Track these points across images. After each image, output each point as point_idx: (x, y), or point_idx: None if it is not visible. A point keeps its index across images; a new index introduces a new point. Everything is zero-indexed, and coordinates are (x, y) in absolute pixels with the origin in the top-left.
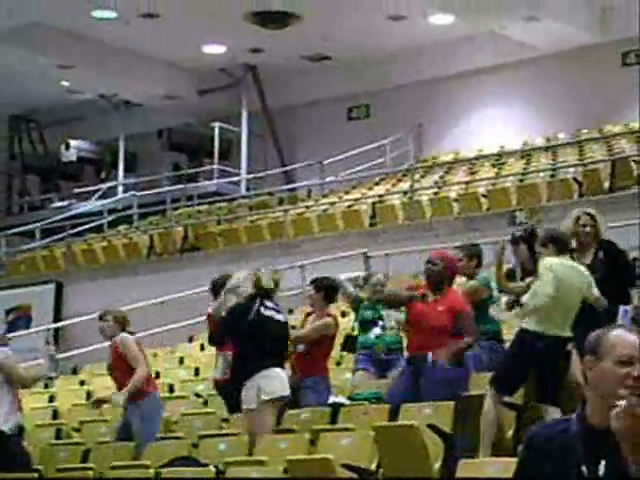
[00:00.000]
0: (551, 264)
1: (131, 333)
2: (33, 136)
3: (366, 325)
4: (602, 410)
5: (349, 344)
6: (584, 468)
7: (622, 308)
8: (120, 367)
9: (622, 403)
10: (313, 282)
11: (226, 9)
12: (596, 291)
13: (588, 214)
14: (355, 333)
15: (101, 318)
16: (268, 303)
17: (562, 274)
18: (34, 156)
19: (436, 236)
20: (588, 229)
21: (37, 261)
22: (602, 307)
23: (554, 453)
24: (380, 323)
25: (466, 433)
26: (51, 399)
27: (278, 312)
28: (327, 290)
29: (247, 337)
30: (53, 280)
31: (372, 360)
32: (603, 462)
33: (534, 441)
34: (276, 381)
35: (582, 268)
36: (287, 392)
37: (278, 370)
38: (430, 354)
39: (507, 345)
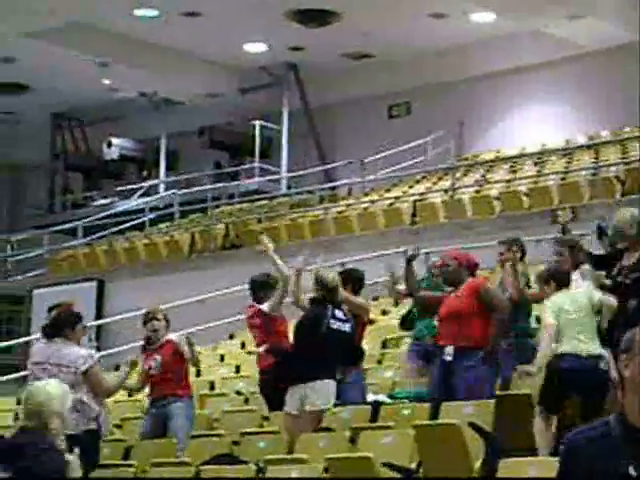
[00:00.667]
0: (549, 302)
1: None
2: (75, 134)
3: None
4: None
5: (408, 321)
6: (631, 469)
7: None
8: (175, 368)
9: None
10: (340, 274)
11: (267, 7)
12: (607, 299)
13: (628, 211)
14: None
15: (153, 318)
16: (338, 313)
17: (560, 301)
18: (76, 154)
19: (477, 235)
20: (634, 230)
21: (79, 259)
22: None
23: (597, 455)
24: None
25: (507, 432)
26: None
27: (345, 321)
28: (354, 282)
29: (310, 345)
30: (95, 278)
31: (421, 353)
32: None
33: (574, 444)
34: (322, 393)
35: (584, 289)
36: (331, 405)
37: (329, 382)
38: (449, 348)
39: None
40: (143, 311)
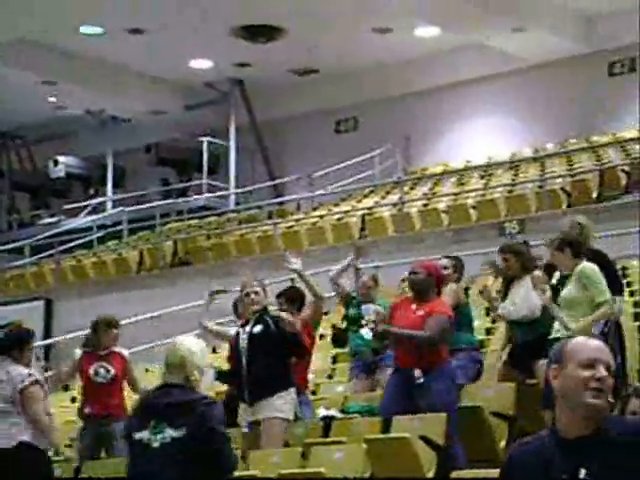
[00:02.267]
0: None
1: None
2: (21, 153)
3: (352, 324)
4: (572, 421)
5: (339, 339)
6: (565, 477)
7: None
8: (122, 385)
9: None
10: (282, 295)
11: (212, 24)
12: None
13: (576, 220)
14: (343, 326)
15: (115, 326)
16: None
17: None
18: (22, 173)
19: (426, 248)
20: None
21: (26, 278)
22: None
23: (533, 468)
24: (363, 322)
25: (461, 445)
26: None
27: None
28: (299, 300)
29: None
30: (43, 297)
31: (362, 366)
32: (583, 470)
33: (514, 459)
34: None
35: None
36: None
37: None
38: (418, 371)
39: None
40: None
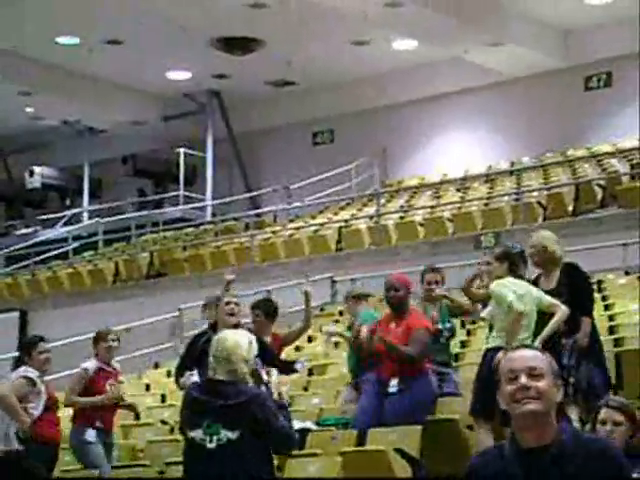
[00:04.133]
0: (505, 283)
1: None
2: None
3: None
4: (527, 431)
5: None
6: None
7: (564, 342)
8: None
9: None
10: (257, 307)
11: (190, 35)
12: (548, 299)
13: (536, 234)
14: None
15: (112, 339)
16: None
17: (520, 289)
18: None
19: (402, 260)
20: (538, 249)
21: (1, 289)
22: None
23: (491, 476)
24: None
25: (435, 457)
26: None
27: None
28: (274, 311)
29: None
30: (18, 308)
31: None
32: None
33: (474, 465)
34: None
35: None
36: None
37: None
38: (394, 380)
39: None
40: (67, 341)
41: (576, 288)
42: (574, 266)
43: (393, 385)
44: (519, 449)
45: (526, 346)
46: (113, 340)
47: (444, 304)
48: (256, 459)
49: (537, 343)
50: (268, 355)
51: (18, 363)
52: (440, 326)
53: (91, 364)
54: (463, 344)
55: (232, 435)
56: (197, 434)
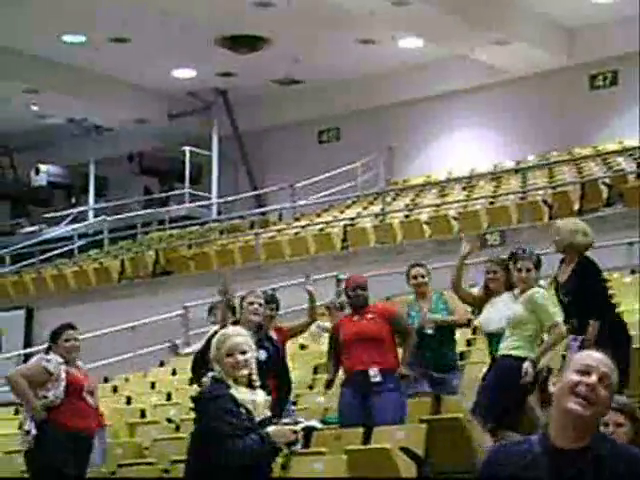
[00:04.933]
0: (550, 296)
1: None
2: (3, 161)
3: None
4: (566, 430)
5: None
6: None
7: (571, 337)
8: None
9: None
10: (271, 301)
11: (196, 33)
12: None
13: (555, 224)
14: None
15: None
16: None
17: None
18: (4, 181)
19: (407, 259)
20: (554, 237)
21: (7, 287)
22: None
23: (515, 472)
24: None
25: (439, 455)
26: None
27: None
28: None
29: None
30: (23, 306)
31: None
32: None
33: (493, 459)
34: None
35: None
36: None
37: None
38: (372, 369)
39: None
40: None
41: (585, 290)
42: (588, 265)
43: (375, 375)
44: (551, 448)
45: (604, 352)
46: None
47: (436, 296)
48: (203, 455)
49: (529, 360)
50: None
51: (47, 351)
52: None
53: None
54: (469, 342)
55: (193, 429)
56: None
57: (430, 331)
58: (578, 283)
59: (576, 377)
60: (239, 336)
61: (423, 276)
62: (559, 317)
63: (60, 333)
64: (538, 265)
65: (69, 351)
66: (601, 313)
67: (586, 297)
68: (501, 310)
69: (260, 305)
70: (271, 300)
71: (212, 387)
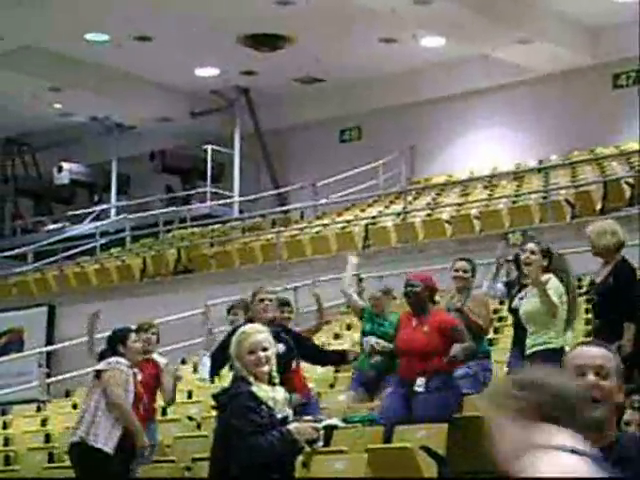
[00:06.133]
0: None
1: None
2: (26, 159)
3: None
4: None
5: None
6: None
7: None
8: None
9: None
10: (287, 304)
11: (219, 32)
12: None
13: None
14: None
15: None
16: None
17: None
18: (27, 179)
19: (429, 258)
20: (589, 240)
21: (29, 284)
22: None
23: None
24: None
25: (461, 455)
26: (43, 422)
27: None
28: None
29: None
30: (45, 303)
31: (361, 381)
32: None
33: None
34: None
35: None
36: None
37: None
38: (420, 379)
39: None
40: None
41: (620, 292)
42: (624, 267)
43: (420, 385)
44: None
45: (595, 343)
46: (153, 333)
47: (468, 294)
48: (224, 450)
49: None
50: (307, 349)
51: (107, 354)
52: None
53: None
54: (490, 341)
55: (218, 425)
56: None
57: None
58: (613, 284)
59: (577, 382)
60: (260, 333)
61: (465, 271)
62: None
63: (128, 334)
64: (547, 253)
65: (138, 352)
66: (634, 315)
67: (618, 298)
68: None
69: (270, 301)
70: (286, 303)
71: (233, 384)
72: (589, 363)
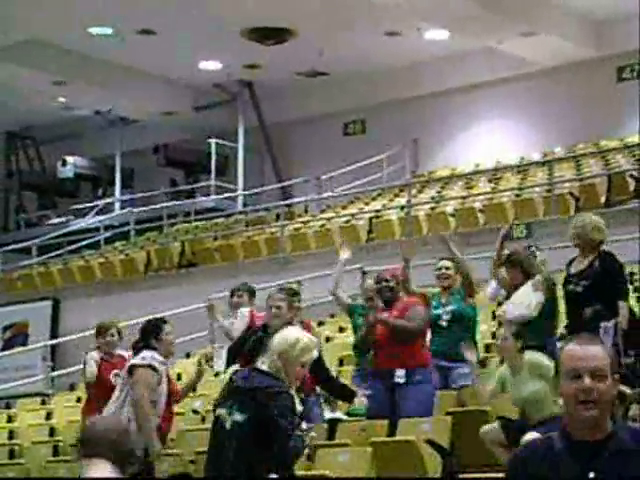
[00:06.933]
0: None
1: None
2: (30, 153)
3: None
4: (583, 429)
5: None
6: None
7: (602, 325)
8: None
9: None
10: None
11: (222, 25)
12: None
13: (580, 216)
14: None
15: (112, 334)
16: None
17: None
18: (31, 173)
19: (433, 251)
20: (578, 230)
21: (34, 278)
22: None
23: (541, 469)
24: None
25: (464, 448)
26: (48, 416)
27: None
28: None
29: None
30: (50, 297)
31: (363, 375)
32: (592, 474)
33: (520, 459)
34: None
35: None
36: None
37: None
38: (399, 371)
39: None
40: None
41: (610, 274)
42: (610, 254)
43: (400, 376)
44: (572, 443)
45: (587, 339)
46: (112, 335)
47: (457, 290)
48: (255, 449)
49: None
50: (322, 374)
51: (139, 346)
52: (439, 310)
53: (92, 356)
54: (494, 335)
55: (240, 418)
56: (222, 411)
57: (444, 323)
58: (602, 270)
59: (571, 386)
60: (315, 350)
61: (448, 268)
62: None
63: (162, 326)
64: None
65: (171, 345)
66: (626, 294)
67: (615, 281)
68: (519, 295)
69: (279, 308)
70: (294, 294)
71: (276, 382)
72: (585, 366)
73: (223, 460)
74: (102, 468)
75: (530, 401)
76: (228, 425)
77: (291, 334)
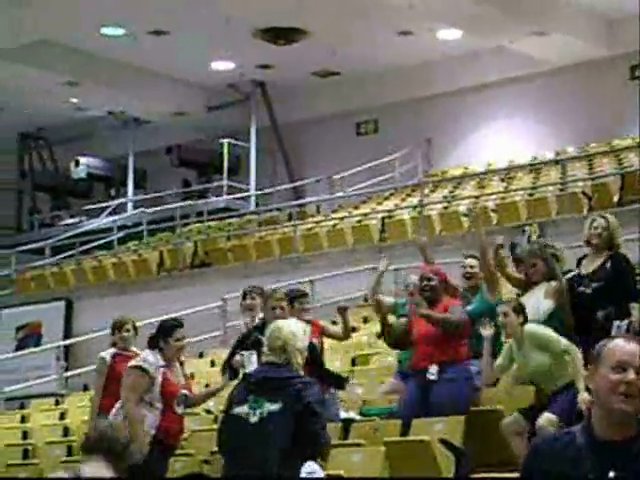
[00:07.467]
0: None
1: None
2: (43, 154)
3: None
4: (611, 425)
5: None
6: (592, 477)
7: (615, 324)
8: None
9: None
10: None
11: (234, 26)
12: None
13: (603, 217)
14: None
15: (127, 329)
16: None
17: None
18: (44, 174)
19: (446, 251)
20: (599, 231)
21: (47, 278)
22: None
23: (560, 464)
24: None
25: (479, 448)
26: (62, 416)
27: None
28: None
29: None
30: (63, 297)
31: (401, 376)
32: (612, 473)
33: (539, 452)
34: None
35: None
36: None
37: None
38: (432, 367)
39: None
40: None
41: (622, 275)
42: (622, 255)
43: (432, 372)
44: (595, 439)
45: (630, 338)
46: (128, 330)
47: (480, 293)
48: (294, 434)
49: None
50: (317, 361)
51: (151, 344)
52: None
53: (107, 352)
54: None
55: (273, 407)
56: (242, 410)
57: None
58: (615, 271)
59: (615, 376)
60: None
61: (472, 266)
62: None
63: (173, 329)
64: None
65: (178, 351)
66: (637, 296)
67: (628, 283)
68: (532, 301)
69: (282, 309)
70: (301, 295)
71: (297, 374)
72: (631, 361)
73: (254, 456)
74: (96, 465)
75: (539, 373)
76: (255, 419)
77: (295, 328)
